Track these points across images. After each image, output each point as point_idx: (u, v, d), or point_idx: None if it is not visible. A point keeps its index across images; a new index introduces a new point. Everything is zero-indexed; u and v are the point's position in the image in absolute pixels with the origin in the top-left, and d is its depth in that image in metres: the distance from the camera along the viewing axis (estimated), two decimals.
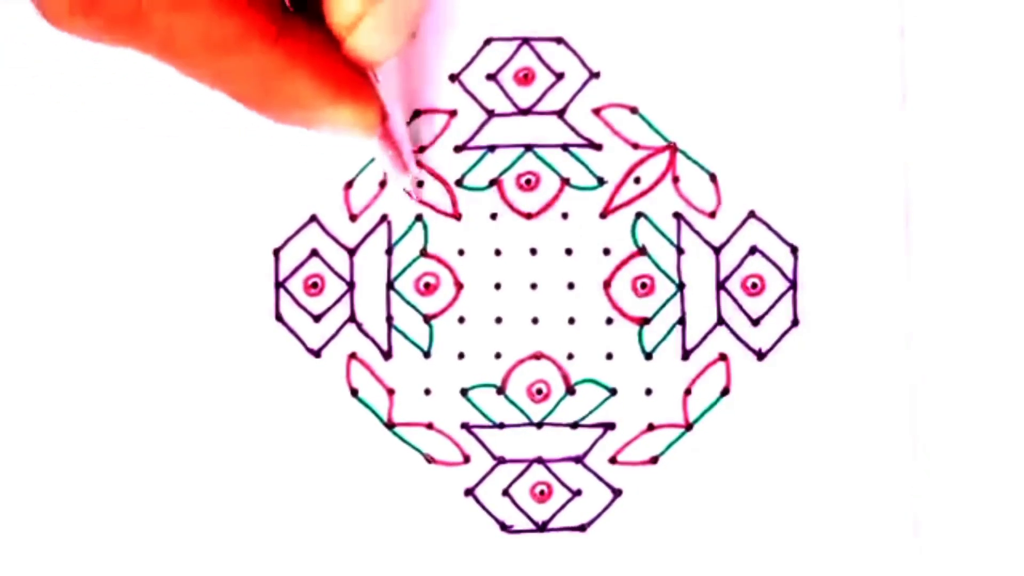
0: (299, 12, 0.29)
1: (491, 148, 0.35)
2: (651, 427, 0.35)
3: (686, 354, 0.35)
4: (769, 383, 0.35)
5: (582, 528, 0.35)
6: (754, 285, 0.35)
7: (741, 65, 0.35)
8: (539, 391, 0.35)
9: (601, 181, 0.35)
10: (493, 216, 0.35)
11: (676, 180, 0.35)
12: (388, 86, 0.31)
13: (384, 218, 0.35)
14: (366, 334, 0.35)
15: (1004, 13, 0.35)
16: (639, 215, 0.35)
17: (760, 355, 0.35)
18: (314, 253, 0.35)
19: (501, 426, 0.35)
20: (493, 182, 0.35)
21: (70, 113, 0.35)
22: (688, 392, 0.35)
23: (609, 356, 0.35)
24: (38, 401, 0.35)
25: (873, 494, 0.35)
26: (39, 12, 0.27)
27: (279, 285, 0.35)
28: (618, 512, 0.35)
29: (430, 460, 0.35)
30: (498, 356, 0.35)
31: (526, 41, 0.35)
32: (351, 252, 0.35)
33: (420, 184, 0.35)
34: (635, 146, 0.35)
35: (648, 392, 0.35)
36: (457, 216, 0.35)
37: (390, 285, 0.35)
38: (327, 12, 0.28)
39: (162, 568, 0.34)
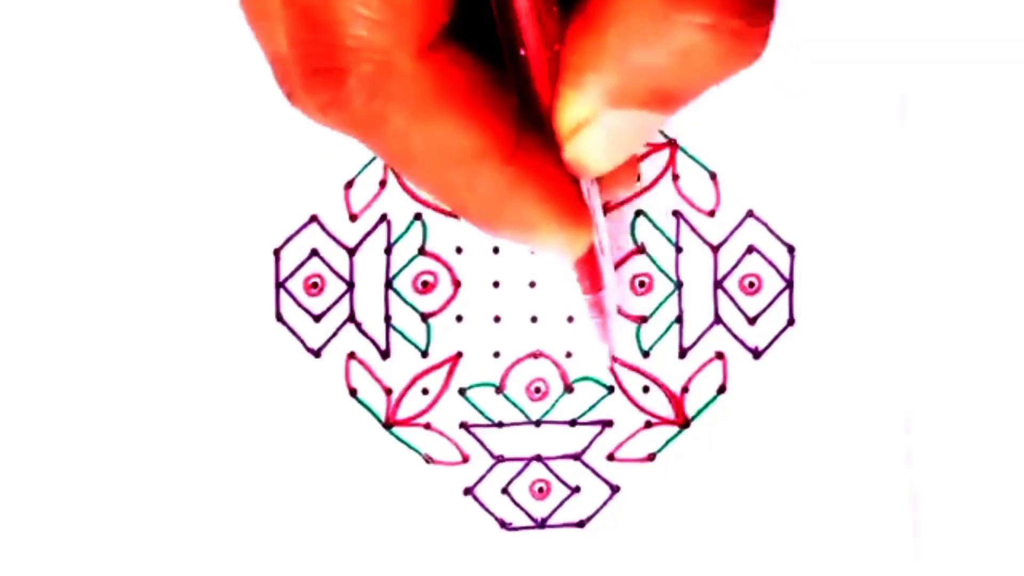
0: (531, 122, 0.26)
1: None
2: (648, 424, 0.35)
3: (683, 352, 0.35)
4: (765, 381, 0.35)
5: (581, 524, 0.35)
6: (751, 284, 0.35)
7: None
8: (537, 389, 0.35)
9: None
10: None
11: (676, 178, 0.35)
12: (601, 226, 0.30)
13: (384, 217, 0.35)
14: (365, 334, 0.35)
15: (1004, 18, 0.35)
16: (638, 213, 0.35)
17: (756, 353, 0.35)
18: (314, 253, 0.35)
19: (500, 425, 0.35)
20: None
21: (70, 113, 0.35)
22: (685, 390, 0.35)
23: None
24: (37, 401, 0.35)
25: (869, 492, 0.35)
26: (288, 98, 0.26)
27: (279, 285, 0.35)
28: (616, 508, 0.35)
29: (429, 460, 0.35)
30: (496, 355, 0.35)
31: None
32: (351, 252, 0.35)
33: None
34: None
35: (645, 390, 0.35)
36: (455, 214, 0.35)
37: (388, 284, 0.35)
38: (553, 110, 0.26)
39: (162, 568, 0.35)
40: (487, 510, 0.35)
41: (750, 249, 0.35)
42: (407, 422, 0.35)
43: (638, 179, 0.35)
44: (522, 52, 0.25)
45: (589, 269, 0.31)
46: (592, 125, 0.25)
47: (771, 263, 0.35)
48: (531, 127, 0.26)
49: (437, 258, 0.35)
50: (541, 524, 0.35)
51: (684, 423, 0.35)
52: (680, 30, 0.23)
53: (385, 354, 0.35)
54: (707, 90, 0.25)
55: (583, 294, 0.32)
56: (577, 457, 0.35)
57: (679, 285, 0.35)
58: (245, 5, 0.25)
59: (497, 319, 0.35)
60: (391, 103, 0.23)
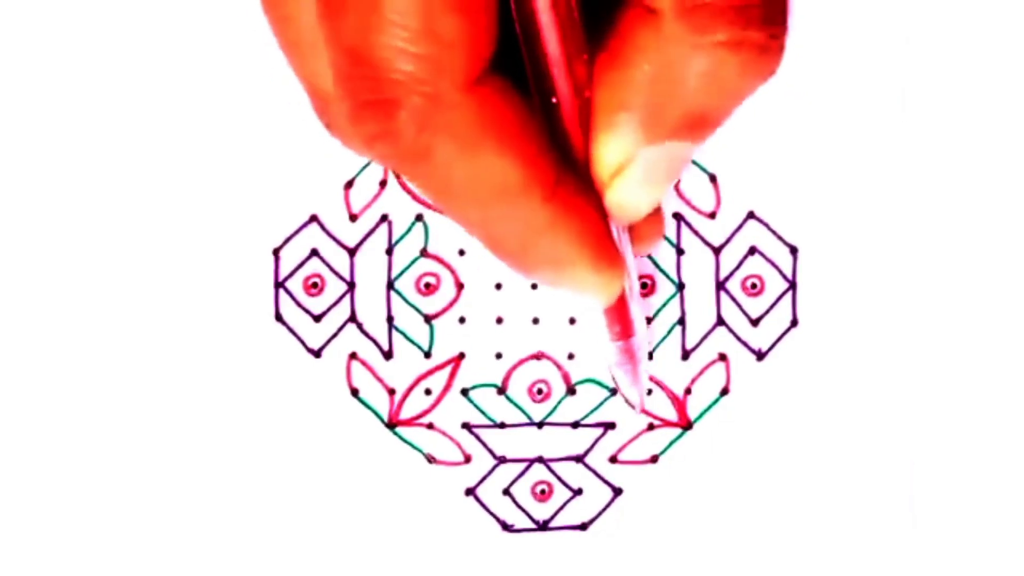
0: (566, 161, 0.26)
1: None
2: (651, 427, 0.35)
3: (686, 354, 0.35)
4: (768, 383, 0.35)
5: (583, 527, 0.35)
6: (753, 286, 0.35)
7: None
8: (540, 391, 0.35)
9: None
10: None
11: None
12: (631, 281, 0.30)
13: (384, 218, 0.35)
14: (366, 334, 0.35)
15: (1004, 19, 0.35)
16: None
17: (759, 355, 0.35)
18: (314, 253, 0.35)
19: (502, 426, 0.35)
20: None
21: (71, 113, 0.34)
22: (688, 392, 0.35)
23: None
24: (37, 401, 0.34)
25: (871, 492, 0.35)
26: (327, 128, 0.26)
27: (279, 285, 0.35)
28: (618, 511, 0.35)
29: (431, 460, 0.35)
30: (499, 356, 0.35)
31: None
32: (351, 252, 0.35)
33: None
34: None
35: (648, 392, 0.35)
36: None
37: (390, 285, 0.35)
38: (591, 157, 0.25)
39: (163, 568, 0.34)
40: (489, 511, 0.35)
41: (752, 250, 0.35)
42: (410, 422, 0.35)
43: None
44: (553, 100, 0.25)
45: (620, 315, 0.31)
46: (631, 166, 0.25)
47: (773, 264, 0.35)
48: (569, 166, 0.26)
49: (440, 260, 0.35)
50: (543, 526, 0.35)
51: (687, 425, 0.35)
52: (704, 52, 0.23)
53: (388, 355, 0.35)
54: (734, 111, 0.25)
55: (612, 341, 0.32)
56: (579, 459, 0.35)
57: (681, 287, 0.35)
58: (279, 36, 0.25)
59: (499, 320, 0.35)
60: (439, 135, 0.23)
